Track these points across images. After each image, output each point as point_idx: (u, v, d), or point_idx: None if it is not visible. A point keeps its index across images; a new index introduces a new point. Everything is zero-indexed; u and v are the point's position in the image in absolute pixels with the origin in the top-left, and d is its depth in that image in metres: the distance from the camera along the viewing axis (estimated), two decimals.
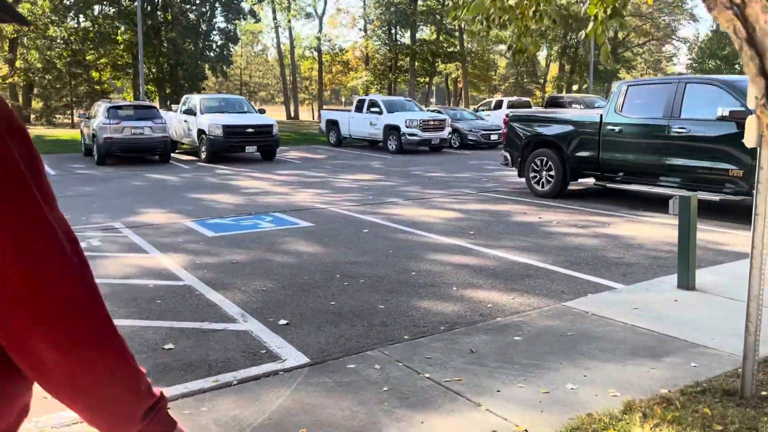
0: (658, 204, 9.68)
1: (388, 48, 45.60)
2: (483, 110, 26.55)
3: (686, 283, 5.16)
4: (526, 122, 11.10)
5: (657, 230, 7.85)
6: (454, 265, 6.28)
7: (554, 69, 60.87)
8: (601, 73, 47.00)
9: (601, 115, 9.81)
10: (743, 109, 7.91)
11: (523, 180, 11.25)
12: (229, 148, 16.71)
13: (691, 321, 4.42)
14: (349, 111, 22.47)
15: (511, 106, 25.31)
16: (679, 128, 8.65)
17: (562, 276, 5.85)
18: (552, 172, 10.49)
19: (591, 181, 10.67)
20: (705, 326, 4.31)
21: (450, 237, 7.57)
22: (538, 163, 10.73)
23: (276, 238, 7.56)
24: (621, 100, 9.58)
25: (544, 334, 4.27)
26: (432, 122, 19.97)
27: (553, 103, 24.94)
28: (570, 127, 10.24)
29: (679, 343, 4.03)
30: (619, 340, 4.11)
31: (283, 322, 4.66)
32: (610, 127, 9.60)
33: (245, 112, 18.16)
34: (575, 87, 51.06)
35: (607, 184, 9.84)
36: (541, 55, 56.87)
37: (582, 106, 22.08)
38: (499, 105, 26.34)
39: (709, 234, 7.57)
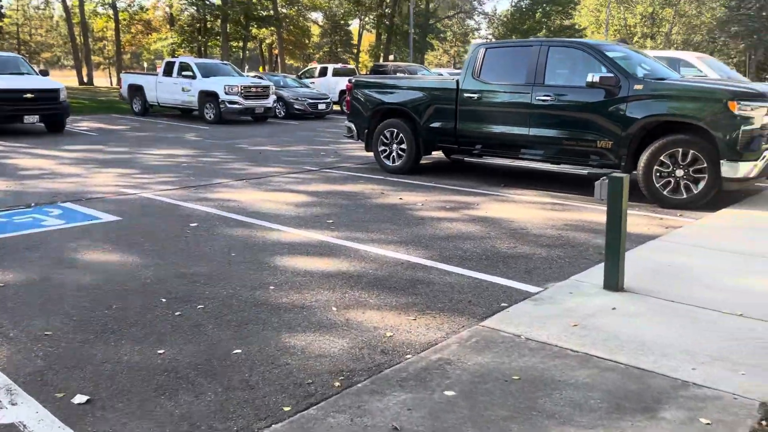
0: (520, 179, 9.01)
1: (195, 8, 41.78)
2: (307, 77, 24.94)
3: (615, 283, 4.23)
4: (374, 89, 9.81)
5: (532, 212, 7.04)
6: (323, 271, 4.81)
7: (369, 38, 60.88)
8: (417, 43, 47.61)
9: (458, 81, 8.83)
10: (612, 75, 7.35)
11: (370, 154, 10.01)
12: (1, 117, 13.35)
13: (652, 341, 3.44)
14: (156, 75, 19.58)
15: (336, 73, 24.02)
16: (543, 96, 7.92)
17: (460, 278, 4.67)
18: (404, 146, 9.36)
19: (441, 153, 9.76)
20: (673, 349, 3.35)
21: (306, 229, 6.06)
22: (388, 135, 9.53)
23: (67, 241, 5.48)
24: (479, 64, 8.66)
25: (483, 383, 3.01)
26: (255, 89, 17.97)
27: (378, 71, 24.12)
28: (424, 95, 9.14)
29: (661, 382, 3.00)
30: (587, 385, 2.97)
31: (80, 399, 2.88)
32: (467, 94, 8.66)
33: (22, 74, 14.70)
34: (391, 57, 51.28)
35: (465, 158, 8.93)
36: (354, 24, 56.41)
37: (406, 75, 21.46)
38: (324, 72, 24.89)
39: (586, 213, 6.92)
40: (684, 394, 2.87)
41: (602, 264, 4.40)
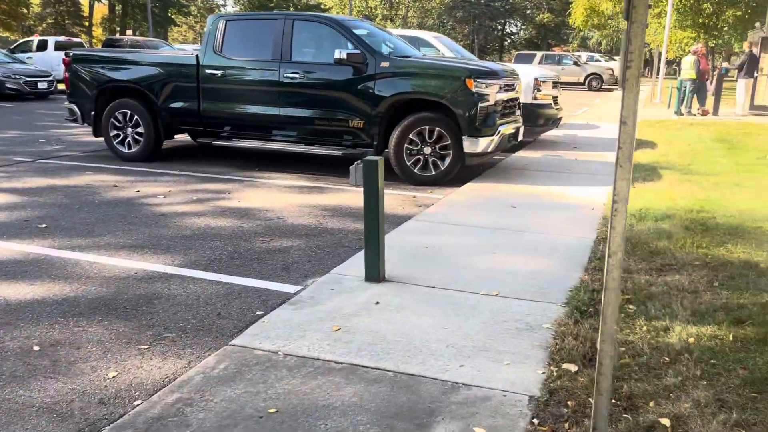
0: (276, 162, 8.50)
1: None
2: (22, 52, 21.36)
3: (376, 274, 3.94)
4: (100, 64, 8.42)
5: (289, 197, 6.59)
6: (26, 297, 3.77)
7: (102, 10, 55.00)
8: (157, 17, 44.21)
9: (198, 57, 7.95)
10: (359, 52, 7.16)
11: (102, 140, 8.66)
12: None
13: (419, 338, 3.19)
14: None
15: (60, 47, 20.94)
16: (292, 73, 7.47)
17: (208, 286, 4.01)
18: (140, 129, 8.23)
19: (187, 137, 8.84)
20: (440, 344, 3.13)
21: (8, 239, 4.83)
22: (120, 117, 8.29)
23: None
24: (219, 37, 7.88)
25: (233, 425, 2.45)
26: None
27: (111, 45, 21.64)
28: (159, 72, 8.08)
29: (432, 388, 2.73)
30: (354, 407, 2.58)
31: None
32: (210, 71, 7.84)
33: None
34: (129, 32, 46.95)
35: (213, 141, 8.14)
36: None
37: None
38: (43, 46, 21.54)
39: (344, 196, 6.68)
40: (455, 400, 2.62)
41: (363, 252, 4.10)
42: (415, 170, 7.24)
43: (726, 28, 28.64)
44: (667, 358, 2.92)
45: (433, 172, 7.22)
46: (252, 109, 7.76)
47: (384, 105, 7.16)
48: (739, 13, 27.67)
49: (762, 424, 2.38)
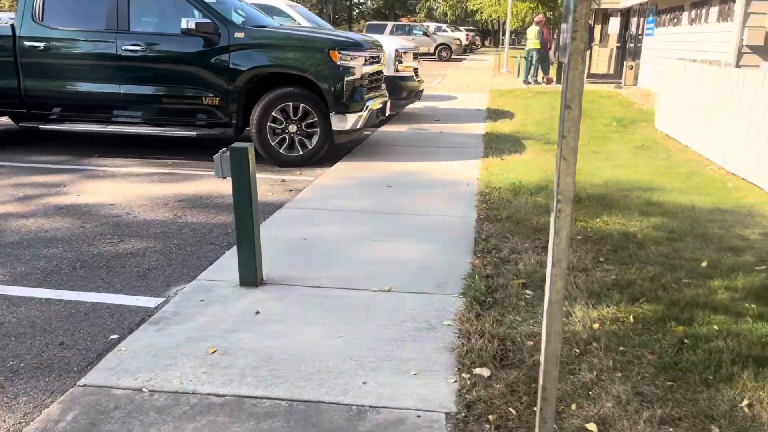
0: (120, 146, 7.53)
1: None
2: None
3: (253, 277, 3.46)
4: None
5: (138, 188, 5.81)
6: None
7: None
8: None
9: (13, 27, 6.76)
10: (209, 21, 6.45)
11: None
12: None
13: (311, 353, 2.78)
14: None
15: None
16: (132, 46, 6.57)
17: (44, 307, 3.30)
18: None
19: (8, 121, 7.58)
20: (337, 358, 2.75)
21: None
22: None
23: None
24: (39, 3, 6.74)
25: None
26: None
27: None
28: None
29: (335, 416, 2.34)
30: None
31: None
32: (30, 43, 6.70)
33: None
34: None
35: (41, 126, 7.02)
36: None
37: None
38: None
39: (202, 182, 6.02)
40: (364, 429, 2.27)
41: (233, 249, 3.60)
42: (281, 150, 6.72)
43: (560, 0, 30.40)
44: (577, 350, 2.77)
45: (301, 152, 6.74)
46: (85, 87, 6.77)
47: (241, 80, 6.53)
48: None
49: (687, 418, 2.27)
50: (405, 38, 31.16)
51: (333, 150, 7.07)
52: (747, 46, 8.49)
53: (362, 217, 4.80)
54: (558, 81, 17.57)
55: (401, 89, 9.64)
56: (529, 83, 16.82)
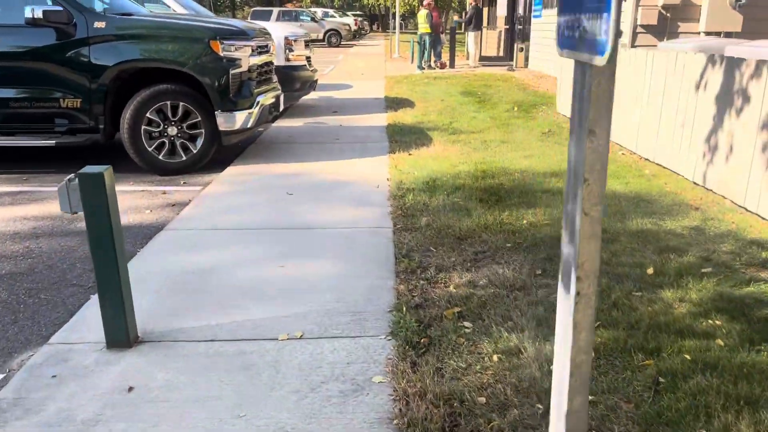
0: None
1: None
2: None
3: (123, 335, 2.70)
4: None
5: None
6: None
7: None
8: None
9: None
10: (60, 9, 5.44)
11: None
12: None
13: None
14: None
15: None
16: None
17: None
18: None
19: None
20: None
21: None
22: None
23: None
24: None
25: None
26: None
27: None
28: None
29: None
30: None
31: None
32: None
33: None
34: None
35: None
36: None
37: None
38: None
39: (49, 204, 5.04)
40: None
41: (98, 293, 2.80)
42: (160, 156, 5.84)
43: None
44: (540, 406, 2.26)
45: (184, 158, 5.89)
46: None
47: (106, 77, 5.58)
48: None
49: None
50: (293, 25, 30.14)
51: (222, 152, 6.28)
52: (641, 25, 8.48)
53: (261, 236, 4.10)
54: (451, 65, 17.40)
55: (294, 80, 8.91)
56: (423, 68, 16.50)
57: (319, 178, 5.56)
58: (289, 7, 47.64)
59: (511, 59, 18.27)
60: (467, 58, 18.92)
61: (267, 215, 4.52)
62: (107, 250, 2.55)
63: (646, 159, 6.05)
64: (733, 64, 4.67)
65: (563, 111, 8.84)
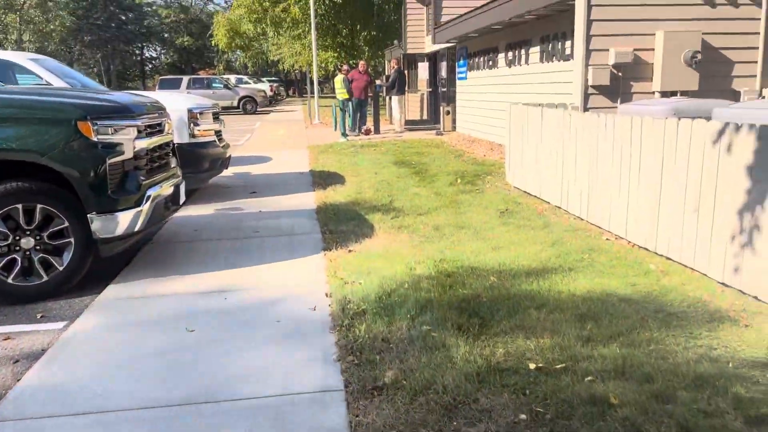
0: None
1: None
2: None
3: None
4: None
5: None
6: None
7: None
8: None
9: None
10: None
11: None
12: None
13: None
14: None
15: None
16: None
17: None
18: None
19: None
20: None
21: None
22: None
23: None
24: None
25: None
26: None
27: None
28: None
29: None
30: None
31: None
32: None
33: None
34: None
35: None
36: None
37: None
38: None
39: None
40: None
41: None
42: (9, 280, 4.25)
43: (363, 46, 30.16)
44: None
45: (45, 278, 4.32)
46: None
47: None
48: (374, 33, 29.34)
49: None
50: (204, 93, 28.70)
51: (102, 262, 4.75)
52: (592, 86, 7.70)
53: (148, 427, 2.61)
54: (377, 131, 16.47)
55: (202, 160, 7.50)
56: (348, 136, 15.44)
57: (232, 300, 4.13)
58: (202, 74, 46.30)
59: (437, 122, 17.59)
60: (392, 123, 18.10)
61: (153, 379, 3.04)
62: None
63: (644, 248, 4.95)
64: (758, 132, 3.70)
65: (516, 183, 7.83)
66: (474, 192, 7.66)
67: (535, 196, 7.17)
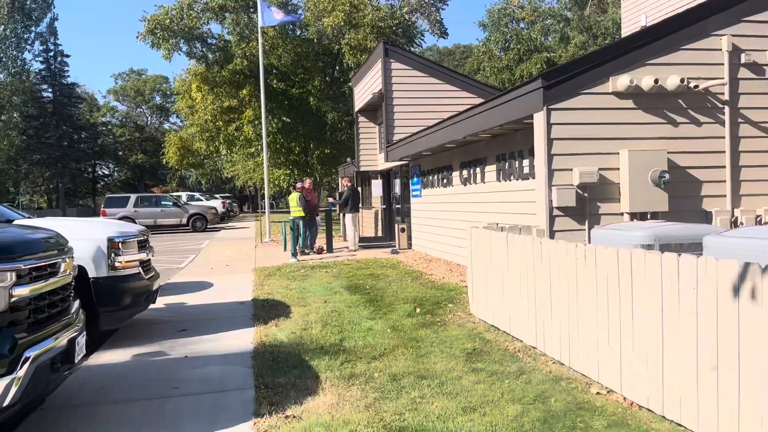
0: None
1: None
2: None
3: None
4: None
5: None
6: None
7: None
8: None
9: None
10: None
11: None
12: None
13: None
14: None
15: None
16: None
17: None
18: None
19: None
20: None
21: None
22: None
23: None
24: None
25: None
26: None
27: None
28: None
29: None
30: None
31: None
32: None
33: None
34: None
35: None
36: None
37: None
38: None
39: None
40: None
41: None
42: None
43: (316, 164, 30.11)
44: None
45: None
46: None
47: None
48: (327, 150, 29.42)
49: None
50: (152, 210, 27.80)
51: None
52: (557, 208, 7.18)
53: None
54: (329, 250, 15.71)
55: (122, 295, 6.49)
56: (297, 255, 14.59)
57: None
58: (154, 191, 45.55)
59: (392, 239, 17.00)
60: (345, 240, 17.42)
61: None
62: None
63: (646, 408, 4.11)
64: None
65: (481, 314, 7.02)
66: (435, 325, 6.80)
67: (505, 332, 6.35)
